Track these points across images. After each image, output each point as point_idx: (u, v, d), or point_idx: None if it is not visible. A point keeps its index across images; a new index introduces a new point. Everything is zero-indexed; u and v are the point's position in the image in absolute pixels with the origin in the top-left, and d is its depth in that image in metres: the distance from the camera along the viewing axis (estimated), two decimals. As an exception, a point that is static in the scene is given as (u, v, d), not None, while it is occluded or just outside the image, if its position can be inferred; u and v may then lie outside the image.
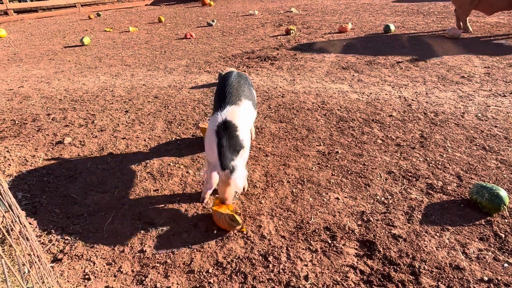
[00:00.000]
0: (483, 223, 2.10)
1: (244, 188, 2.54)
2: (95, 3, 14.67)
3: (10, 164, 3.11)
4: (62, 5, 14.20)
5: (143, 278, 1.91)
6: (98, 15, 12.65)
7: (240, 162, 2.19)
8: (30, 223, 2.34)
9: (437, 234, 2.04)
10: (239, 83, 2.49)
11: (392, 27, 6.64)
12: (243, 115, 2.31)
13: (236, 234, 2.17)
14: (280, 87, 4.46)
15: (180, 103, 4.22)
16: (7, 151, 3.33)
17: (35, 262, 1.58)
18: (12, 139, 3.58)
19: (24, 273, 0.89)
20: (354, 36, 6.70)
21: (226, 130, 2.15)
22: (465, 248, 1.93)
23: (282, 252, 2.01)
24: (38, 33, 9.97)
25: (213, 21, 9.12)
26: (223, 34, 7.86)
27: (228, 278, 1.88)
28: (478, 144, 2.88)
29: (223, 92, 2.40)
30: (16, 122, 4.00)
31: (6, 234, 1.11)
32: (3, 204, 1.01)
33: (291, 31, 7.22)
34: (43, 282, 1.57)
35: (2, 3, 12.74)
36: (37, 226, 2.33)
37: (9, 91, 5.12)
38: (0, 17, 12.76)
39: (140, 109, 4.14)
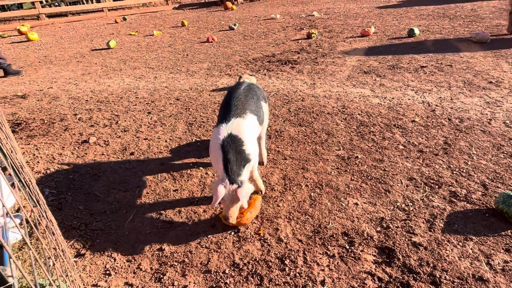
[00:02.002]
0: (510, 234, 2.02)
1: (262, 191, 2.55)
2: (121, 7, 15.13)
3: (38, 162, 3.25)
4: (91, 10, 14.73)
5: (161, 276, 1.95)
6: (124, 19, 13.04)
7: (246, 177, 2.16)
8: (55, 219, 2.44)
9: (460, 243, 1.98)
10: (246, 97, 2.39)
11: (417, 31, 6.50)
12: (248, 129, 2.23)
13: (253, 236, 2.18)
14: (300, 91, 4.45)
15: (201, 105, 4.29)
16: (36, 149, 3.48)
17: (60, 255, 1.65)
18: (41, 138, 3.74)
19: (49, 266, 0.93)
20: (377, 40, 6.60)
21: (232, 144, 2.09)
22: (490, 259, 1.86)
23: (299, 256, 2.00)
24: (67, 37, 10.37)
25: (234, 24, 9.21)
26: (245, 38, 7.92)
27: (244, 280, 1.89)
28: (505, 152, 2.77)
29: (229, 105, 2.32)
30: (45, 121, 4.18)
31: (34, 227, 1.17)
32: (32, 200, 1.06)
33: (313, 35, 7.20)
34: (67, 276, 1.63)
35: (35, 7, 13.34)
36: (62, 222, 2.42)
37: (39, 91, 5.35)
38: (32, 21, 13.36)
39: (162, 110, 4.23)
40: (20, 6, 15.06)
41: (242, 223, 2.22)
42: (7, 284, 0.69)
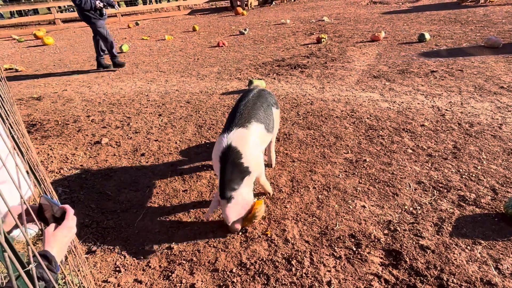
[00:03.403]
0: (519, 238, 2.00)
1: (269, 193, 2.57)
2: (134, 13, 15.41)
3: (52, 161, 3.33)
4: (104, 15, 15.05)
5: (170, 274, 1.99)
6: (137, 24, 13.28)
7: (244, 189, 2.14)
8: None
9: (468, 247, 1.97)
10: (255, 105, 2.36)
11: (427, 36, 6.47)
12: (250, 140, 2.19)
13: (260, 237, 2.20)
14: (309, 95, 4.47)
15: (211, 108, 4.34)
16: (50, 149, 3.58)
17: (72, 251, 1.70)
18: (55, 138, 3.84)
19: (61, 261, 0.98)
20: (387, 44, 6.59)
21: (230, 157, 2.09)
22: (498, 264, 1.85)
23: (306, 257, 2.01)
24: (81, 41, 10.60)
25: (245, 29, 9.30)
26: (255, 42, 7.99)
27: (251, 279, 1.91)
28: (516, 157, 2.75)
29: (235, 112, 2.31)
30: (59, 122, 4.28)
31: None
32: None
33: (322, 40, 7.23)
34: (79, 270, 1.68)
35: (51, 13, 13.69)
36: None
37: (54, 94, 5.49)
38: (48, 26, 13.71)
39: (173, 113, 4.30)
40: (36, 11, 15.46)
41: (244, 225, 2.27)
42: (26, 269, 0.73)
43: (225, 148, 2.11)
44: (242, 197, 2.13)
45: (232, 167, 2.08)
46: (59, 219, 1.10)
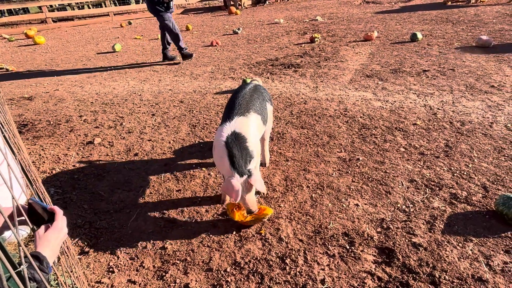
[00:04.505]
0: (510, 235, 2.03)
1: (263, 192, 2.57)
2: (126, 12, 15.28)
3: (44, 162, 3.30)
4: (96, 14, 14.90)
5: (164, 274, 1.98)
6: (129, 23, 13.18)
7: (253, 167, 2.20)
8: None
9: (460, 244, 2.00)
10: (252, 97, 2.43)
11: (419, 36, 6.53)
12: (251, 127, 2.27)
13: (254, 236, 2.20)
14: (303, 94, 4.49)
15: (204, 107, 4.33)
16: (42, 149, 3.54)
17: (65, 252, 1.68)
18: (47, 139, 3.80)
19: (54, 262, 0.97)
20: (380, 44, 6.64)
21: (236, 141, 2.12)
22: (489, 260, 1.88)
23: (300, 255, 2.02)
24: (73, 40, 10.50)
25: (238, 29, 9.29)
26: (248, 42, 7.99)
27: (245, 278, 1.91)
28: (506, 155, 2.79)
29: (233, 103, 2.37)
30: (51, 122, 4.24)
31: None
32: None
33: (316, 39, 7.25)
34: (71, 271, 1.66)
35: (42, 12, 13.53)
36: (67, 220, 2.46)
37: (45, 93, 5.43)
38: (39, 25, 13.54)
39: (166, 112, 4.28)
40: (26, 10, 15.27)
41: (244, 223, 2.26)
42: (17, 269, 0.73)
43: (229, 135, 2.15)
44: (256, 171, 2.19)
45: (240, 150, 2.12)
46: (49, 221, 1.10)
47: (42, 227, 1.05)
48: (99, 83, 5.81)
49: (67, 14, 14.50)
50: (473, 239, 2.03)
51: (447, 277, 1.80)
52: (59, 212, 1.13)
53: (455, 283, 1.76)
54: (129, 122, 4.08)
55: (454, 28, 7.24)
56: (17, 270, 0.73)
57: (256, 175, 2.12)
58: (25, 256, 0.77)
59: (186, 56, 6.72)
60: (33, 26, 13.14)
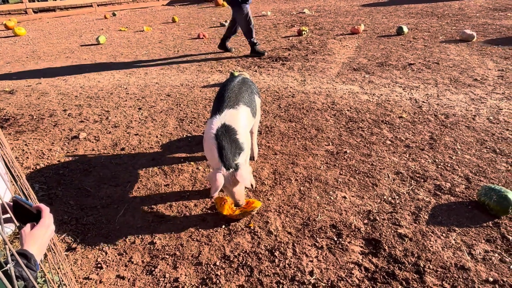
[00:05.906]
0: (491, 225, 2.10)
1: (252, 185, 2.59)
2: (111, 3, 14.94)
3: (28, 157, 3.23)
4: (79, 5, 14.51)
5: (153, 269, 1.98)
6: (114, 14, 12.89)
7: (242, 161, 2.19)
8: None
9: (444, 234, 2.05)
10: (240, 89, 2.45)
11: (405, 29, 6.60)
12: (241, 119, 2.28)
13: (243, 229, 2.22)
14: (291, 87, 4.50)
15: (192, 101, 4.30)
16: (25, 145, 3.46)
17: (51, 249, 1.66)
18: (30, 133, 3.71)
19: (41, 259, 0.96)
20: (367, 37, 6.68)
21: (226, 134, 2.13)
22: (471, 249, 1.94)
23: (288, 248, 2.05)
24: (55, 32, 10.22)
25: (226, 21, 9.19)
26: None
27: (235, 271, 1.92)
28: (488, 146, 2.86)
29: (222, 96, 2.37)
30: (34, 117, 4.14)
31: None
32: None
33: (303, 32, 7.24)
34: (59, 268, 1.64)
35: (22, 2, 13.09)
36: (53, 216, 2.42)
37: (27, 87, 5.29)
38: (19, 16, 13.12)
39: (153, 106, 4.23)
40: (6, 0, 14.76)
41: (233, 216, 2.26)
42: (4, 269, 0.71)
43: (219, 127, 2.16)
44: (246, 167, 2.18)
45: (230, 142, 2.12)
46: (34, 219, 1.08)
47: (28, 224, 1.03)
48: (83, 76, 5.68)
49: (49, 5, 14.07)
50: (456, 229, 2.09)
51: (431, 266, 1.85)
52: (45, 209, 1.11)
53: (439, 272, 1.82)
54: (115, 116, 4.01)
55: (439, 22, 7.34)
56: (4, 269, 0.72)
57: (243, 169, 2.10)
58: (11, 254, 0.76)
59: (258, 53, 6.06)
60: (12, 16, 12.72)
